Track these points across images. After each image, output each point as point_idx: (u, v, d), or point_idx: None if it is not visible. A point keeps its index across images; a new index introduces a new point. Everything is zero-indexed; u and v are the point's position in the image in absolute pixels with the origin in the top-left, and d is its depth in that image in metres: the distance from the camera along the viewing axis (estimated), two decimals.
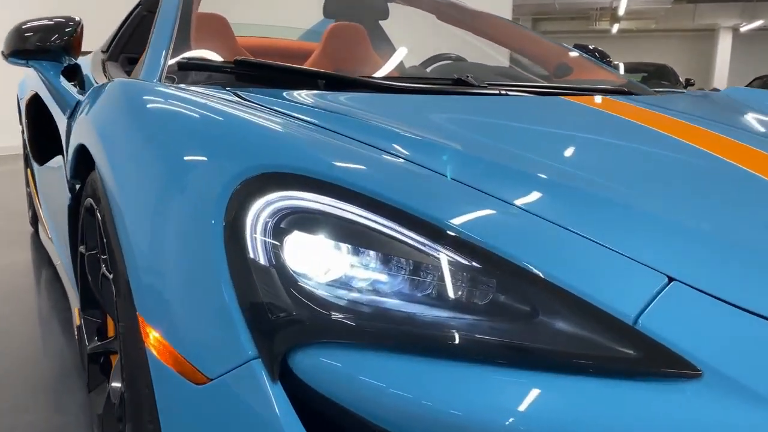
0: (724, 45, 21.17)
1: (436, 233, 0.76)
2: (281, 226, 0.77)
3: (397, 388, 0.70)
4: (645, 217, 0.88)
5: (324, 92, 1.34)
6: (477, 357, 0.71)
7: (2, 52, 1.68)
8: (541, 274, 0.73)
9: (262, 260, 0.76)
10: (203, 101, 1.04)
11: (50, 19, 1.68)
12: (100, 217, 1.09)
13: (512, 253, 0.75)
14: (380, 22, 2.93)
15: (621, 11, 17.20)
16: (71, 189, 1.42)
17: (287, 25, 3.81)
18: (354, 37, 2.66)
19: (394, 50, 2.96)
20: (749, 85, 13.01)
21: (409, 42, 2.90)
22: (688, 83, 12.22)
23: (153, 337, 0.86)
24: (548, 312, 0.72)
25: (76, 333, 1.62)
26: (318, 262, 0.76)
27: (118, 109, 1.10)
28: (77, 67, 1.86)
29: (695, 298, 0.74)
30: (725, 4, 19.29)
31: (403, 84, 1.56)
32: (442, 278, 0.75)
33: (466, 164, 0.96)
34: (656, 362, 0.68)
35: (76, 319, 1.56)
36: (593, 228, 0.82)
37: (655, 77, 12.23)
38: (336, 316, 0.74)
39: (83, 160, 1.31)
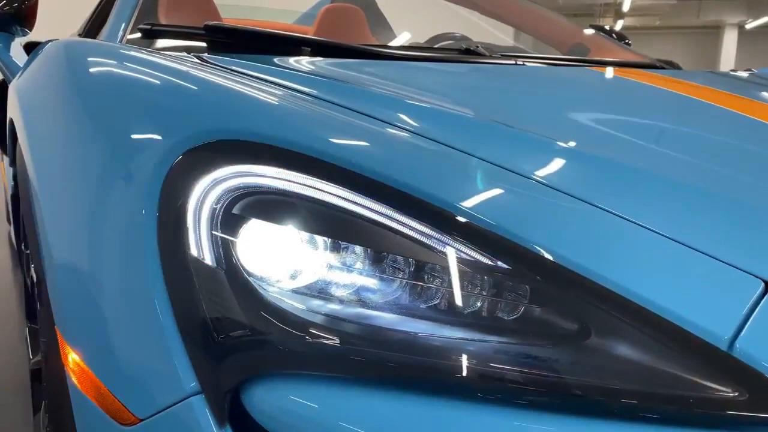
0: (730, 42, 20.90)
1: (447, 221, 0.55)
2: (234, 212, 0.56)
3: None
4: (727, 205, 0.67)
5: (308, 58, 1.13)
6: (502, 396, 0.50)
7: None
8: (593, 279, 0.52)
9: (208, 260, 0.56)
10: (152, 60, 0.82)
11: None
12: (24, 216, 0.88)
13: (552, 249, 0.54)
14: (377, 1, 2.73)
15: (625, 7, 16.92)
16: (13, 177, 1.21)
17: (284, 8, 3.63)
18: (350, 18, 2.46)
19: (392, 33, 2.77)
20: None
21: (409, 23, 2.70)
22: None
23: (72, 359, 0.66)
24: (605, 332, 0.51)
25: None
26: (284, 262, 0.56)
27: (50, 68, 0.89)
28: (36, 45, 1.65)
29: None
30: (731, 0, 19.04)
31: (401, 52, 1.34)
32: (454, 284, 0.54)
33: (482, 135, 0.75)
34: (765, 403, 0.47)
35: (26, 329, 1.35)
36: (661, 219, 0.60)
37: None
38: (309, 337, 0.53)
39: (14, 142, 1.10)
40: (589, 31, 2.16)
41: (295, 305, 0.54)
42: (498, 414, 0.49)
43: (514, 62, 1.32)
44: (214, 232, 0.56)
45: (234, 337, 0.54)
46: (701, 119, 1.03)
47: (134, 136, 0.66)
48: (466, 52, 1.34)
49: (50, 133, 0.80)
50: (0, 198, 3.49)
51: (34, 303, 1.16)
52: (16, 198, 1.23)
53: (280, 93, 0.75)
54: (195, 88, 0.71)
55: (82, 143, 0.71)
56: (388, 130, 0.69)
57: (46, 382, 0.76)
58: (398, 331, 0.53)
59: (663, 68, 1.64)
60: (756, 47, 21.30)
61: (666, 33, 22.01)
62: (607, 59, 1.61)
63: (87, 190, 0.68)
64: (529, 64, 1.35)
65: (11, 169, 1.21)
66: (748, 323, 0.50)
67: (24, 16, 1.46)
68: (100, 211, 0.65)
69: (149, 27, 1.24)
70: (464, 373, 0.50)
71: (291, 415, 0.53)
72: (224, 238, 0.56)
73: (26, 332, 1.26)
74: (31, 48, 1.65)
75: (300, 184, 0.56)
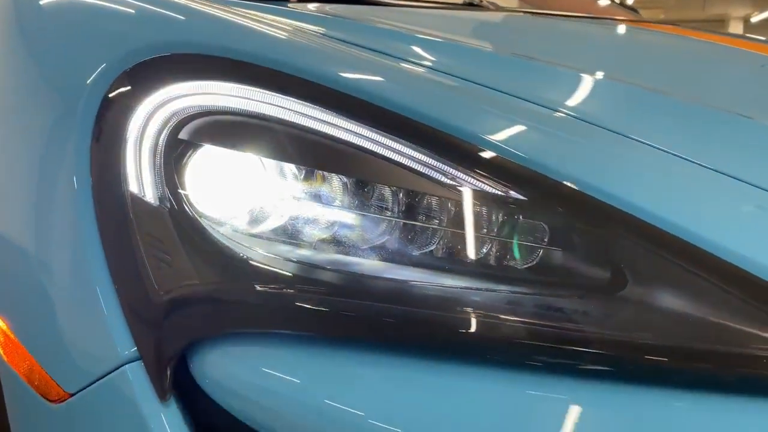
0: None
1: (444, 145, 0.44)
2: (180, 137, 0.45)
3: (376, 412, 0.39)
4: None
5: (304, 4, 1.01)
6: (519, 358, 0.39)
7: None
8: (629, 212, 0.41)
9: (149, 197, 0.45)
10: None
11: None
12: None
13: (575, 176, 0.43)
14: None
15: (629, 0, 16.84)
16: None
17: None
18: None
19: None
20: None
21: None
22: None
23: (0, 329, 0.55)
24: (646, 278, 0.40)
25: None
26: (243, 198, 0.45)
27: None
28: None
29: None
30: None
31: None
32: (455, 221, 0.43)
33: (490, 65, 0.64)
34: None
35: None
36: (705, 150, 0.50)
37: None
38: (273, 289, 0.42)
39: None
40: (605, 2, 2.07)
41: (256, 251, 0.44)
42: (509, 380, 0.39)
43: (525, 13, 1.21)
44: (156, 163, 0.45)
45: (179, 293, 0.43)
46: (720, 58, 0.92)
47: (67, 59, 0.55)
48: (469, 5, 1.24)
49: None
50: None
51: None
52: None
53: (251, 20, 0.64)
54: (140, 4, 0.59)
55: (15, 71, 0.60)
56: (370, 54, 0.57)
57: None
58: (386, 279, 0.42)
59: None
60: None
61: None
62: (619, 17, 1.51)
63: (16, 119, 0.57)
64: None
65: None
66: None
67: None
68: (28, 144, 0.54)
69: None
70: (469, 329, 0.39)
71: (250, 387, 0.42)
72: (169, 168, 0.45)
73: None
74: None
75: (261, 102, 0.45)
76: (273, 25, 0.59)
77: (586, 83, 0.62)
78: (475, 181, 0.43)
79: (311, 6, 0.85)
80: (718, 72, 0.83)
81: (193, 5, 0.58)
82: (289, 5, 0.80)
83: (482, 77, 0.54)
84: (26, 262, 0.52)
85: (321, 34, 0.63)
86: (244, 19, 0.58)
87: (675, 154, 0.46)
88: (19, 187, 0.54)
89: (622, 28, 1.19)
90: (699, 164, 0.46)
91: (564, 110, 0.51)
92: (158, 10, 0.55)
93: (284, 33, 0.57)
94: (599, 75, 0.65)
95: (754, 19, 20.23)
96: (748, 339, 0.38)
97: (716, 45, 1.04)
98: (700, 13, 19.76)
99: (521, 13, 1.27)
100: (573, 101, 0.56)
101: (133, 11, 0.57)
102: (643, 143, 0.47)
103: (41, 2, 0.68)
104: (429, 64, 0.59)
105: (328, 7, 0.86)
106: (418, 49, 0.63)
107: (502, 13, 1.22)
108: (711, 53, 0.98)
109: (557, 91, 0.58)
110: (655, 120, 0.54)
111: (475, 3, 1.24)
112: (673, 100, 0.60)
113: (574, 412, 0.39)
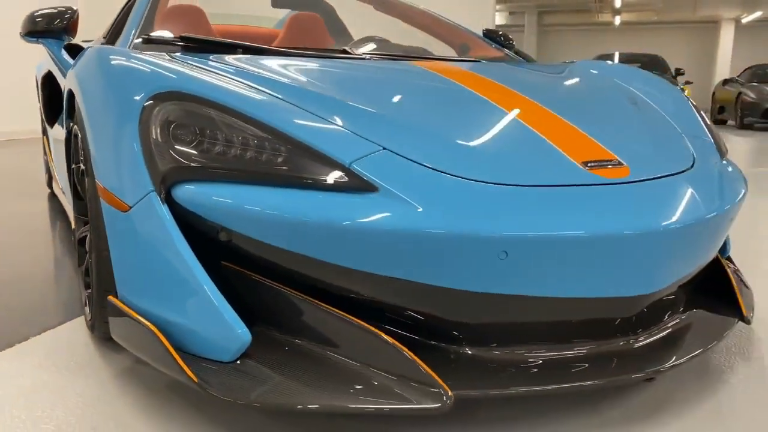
0: (726, 36, 21.41)
1: (267, 128, 1.35)
2: (169, 119, 1.37)
3: (242, 201, 1.27)
4: (389, 120, 1.48)
5: (233, 55, 1.94)
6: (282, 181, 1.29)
7: (20, 32, 2.30)
8: (303, 142, 1.33)
9: (158, 137, 1.36)
10: (140, 57, 1.64)
11: (54, 8, 2.30)
12: (80, 139, 1.70)
13: (294, 132, 1.34)
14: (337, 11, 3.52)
15: (617, 3, 17.59)
16: (66, 127, 2.04)
17: (267, 15, 4.41)
18: (311, 23, 3.27)
19: (349, 35, 3.56)
20: (741, 74, 13.43)
21: (353, 29, 3.49)
22: (678, 72, 12.72)
23: (100, 188, 1.47)
24: (301, 157, 1.31)
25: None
26: (188, 136, 1.35)
27: (91, 62, 1.70)
28: (79, 47, 2.48)
29: (390, 157, 1.33)
30: None
31: (291, 50, 2.15)
32: (261, 148, 1.33)
33: (300, 96, 1.55)
34: (355, 184, 1.27)
35: (72, 223, 2.18)
36: (352, 123, 1.41)
37: (649, 66, 12.75)
38: (194, 163, 1.32)
39: (71, 104, 1.92)
40: (472, 36, 2.95)
41: (193, 154, 1.35)
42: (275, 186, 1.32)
43: (363, 57, 2.13)
44: (158, 128, 1.37)
45: (166, 164, 1.34)
46: (430, 90, 1.84)
47: (128, 92, 1.47)
48: (343, 52, 2.16)
49: (93, 99, 1.61)
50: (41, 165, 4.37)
51: (79, 195, 1.98)
52: (68, 141, 2.07)
53: (199, 71, 1.57)
54: (157, 70, 1.52)
55: (107, 102, 1.53)
56: (247, 86, 1.50)
57: (90, 213, 1.56)
58: (245, 160, 1.34)
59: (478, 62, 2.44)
60: (752, 41, 21.67)
61: (665, 28, 22.47)
62: (434, 56, 2.44)
63: (111, 127, 1.49)
64: (375, 59, 2.16)
65: (68, 122, 2.04)
66: (361, 159, 1.31)
67: (70, 29, 2.29)
68: (113, 125, 1.46)
69: (146, 37, 2.07)
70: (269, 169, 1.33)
71: (190, 196, 1.33)
72: (163, 129, 1.36)
73: (72, 216, 2.09)
74: (70, 48, 2.50)
75: (197, 110, 1.37)
76: (202, 70, 1.52)
77: (331, 102, 1.54)
78: (267, 137, 1.35)
79: (227, 58, 1.78)
80: (401, 89, 1.75)
81: (173, 66, 1.51)
82: (210, 59, 1.74)
83: (290, 96, 1.47)
84: (112, 156, 1.43)
85: (224, 74, 1.55)
86: (193, 70, 1.51)
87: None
88: (111, 138, 1.45)
89: (410, 69, 2.09)
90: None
91: (310, 110, 1.43)
92: (158, 70, 1.48)
93: (208, 76, 1.50)
94: (339, 97, 1.57)
95: (745, 20, 20.85)
96: (332, 177, 1.30)
97: (429, 73, 1.95)
98: (691, 14, 20.43)
99: (367, 57, 2.17)
100: (322, 109, 1.48)
101: (149, 70, 1.50)
102: (332, 124, 1.40)
103: (112, 62, 1.61)
104: (268, 91, 1.51)
105: (232, 58, 1.80)
106: (269, 84, 1.55)
107: (354, 59, 2.13)
108: (418, 79, 1.90)
109: (314, 101, 1.49)
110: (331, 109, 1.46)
111: (348, 50, 2.16)
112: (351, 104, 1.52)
113: (282, 193, 1.31)
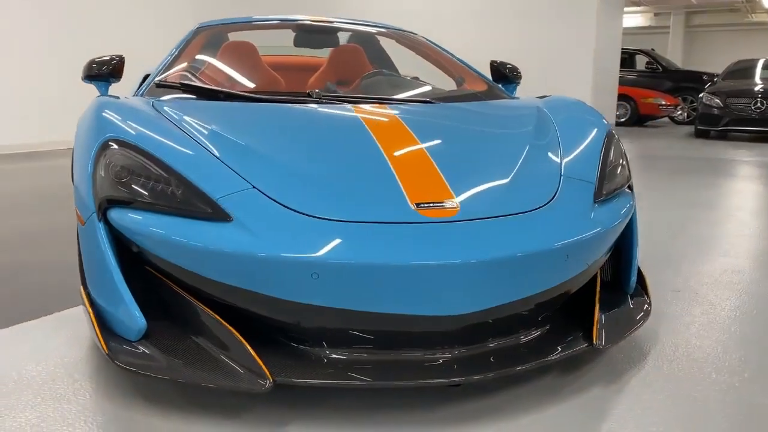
0: None
1: (173, 171, 1.81)
2: (110, 161, 1.87)
3: (148, 224, 1.77)
4: (276, 163, 1.89)
5: (203, 101, 2.43)
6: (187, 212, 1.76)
7: (81, 77, 2.95)
8: (191, 181, 1.77)
9: (102, 173, 1.87)
10: (126, 104, 2.18)
11: (108, 56, 2.93)
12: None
13: (189, 174, 1.79)
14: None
15: (766, 2, 16.18)
16: None
17: None
18: (352, 54, 3.71)
19: (392, 64, 3.94)
20: None
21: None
22: None
23: (75, 206, 2.01)
24: (190, 193, 1.75)
25: None
26: (122, 174, 1.84)
27: (87, 108, 2.26)
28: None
29: (253, 194, 1.73)
30: None
31: (263, 95, 2.60)
32: (168, 184, 1.80)
33: (218, 142, 1.99)
34: (217, 215, 1.69)
35: None
36: (240, 165, 1.84)
37: None
38: (125, 195, 1.82)
39: None
40: (468, 70, 3.25)
41: (122, 187, 1.85)
42: (186, 219, 1.79)
43: (317, 100, 2.52)
44: (104, 167, 1.87)
45: (103, 194, 1.84)
46: (336, 137, 2.18)
47: (91, 139, 2.00)
48: (307, 95, 2.57)
49: (78, 137, 2.15)
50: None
51: None
52: None
53: (157, 122, 2.07)
54: (115, 121, 2.04)
55: (82, 142, 2.07)
56: (184, 137, 1.98)
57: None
58: (164, 197, 1.82)
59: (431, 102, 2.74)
60: None
61: None
62: (392, 98, 2.80)
63: (80, 161, 2.02)
64: (326, 102, 2.54)
65: None
66: (230, 195, 1.73)
67: (116, 72, 2.91)
68: (82, 162, 2.00)
69: (158, 83, 2.63)
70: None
71: (122, 219, 1.82)
72: (107, 168, 1.86)
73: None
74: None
75: (132, 156, 1.87)
76: (155, 119, 2.02)
77: (238, 147, 1.97)
78: (169, 177, 1.82)
79: (198, 103, 2.27)
80: (309, 135, 2.13)
81: (135, 116, 2.03)
82: (181, 105, 2.24)
83: (210, 142, 1.93)
84: (76, 181, 1.97)
85: (174, 123, 2.04)
86: (148, 119, 2.02)
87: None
88: (80, 170, 1.99)
89: (330, 111, 2.45)
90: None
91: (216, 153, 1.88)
92: (115, 121, 2.01)
93: (152, 126, 1.99)
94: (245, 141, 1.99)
95: None
96: (204, 209, 1.73)
97: (351, 119, 2.29)
98: (745, 17, 18.62)
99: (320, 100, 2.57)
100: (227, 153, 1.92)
101: (111, 120, 2.02)
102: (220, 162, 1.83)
103: (94, 111, 2.16)
104: (195, 138, 1.97)
105: (204, 103, 2.28)
106: (202, 132, 2.02)
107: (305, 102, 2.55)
108: (336, 124, 2.27)
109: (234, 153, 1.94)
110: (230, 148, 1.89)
111: (311, 93, 2.56)
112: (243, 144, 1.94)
113: (183, 223, 1.77)
